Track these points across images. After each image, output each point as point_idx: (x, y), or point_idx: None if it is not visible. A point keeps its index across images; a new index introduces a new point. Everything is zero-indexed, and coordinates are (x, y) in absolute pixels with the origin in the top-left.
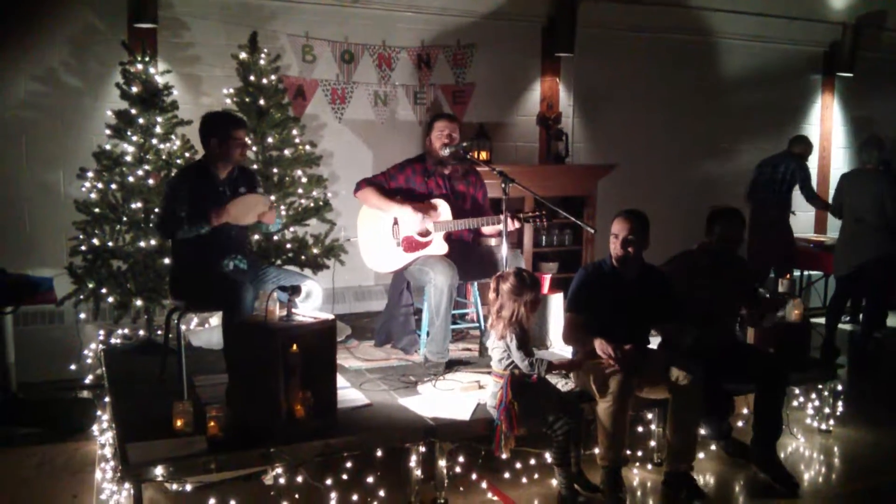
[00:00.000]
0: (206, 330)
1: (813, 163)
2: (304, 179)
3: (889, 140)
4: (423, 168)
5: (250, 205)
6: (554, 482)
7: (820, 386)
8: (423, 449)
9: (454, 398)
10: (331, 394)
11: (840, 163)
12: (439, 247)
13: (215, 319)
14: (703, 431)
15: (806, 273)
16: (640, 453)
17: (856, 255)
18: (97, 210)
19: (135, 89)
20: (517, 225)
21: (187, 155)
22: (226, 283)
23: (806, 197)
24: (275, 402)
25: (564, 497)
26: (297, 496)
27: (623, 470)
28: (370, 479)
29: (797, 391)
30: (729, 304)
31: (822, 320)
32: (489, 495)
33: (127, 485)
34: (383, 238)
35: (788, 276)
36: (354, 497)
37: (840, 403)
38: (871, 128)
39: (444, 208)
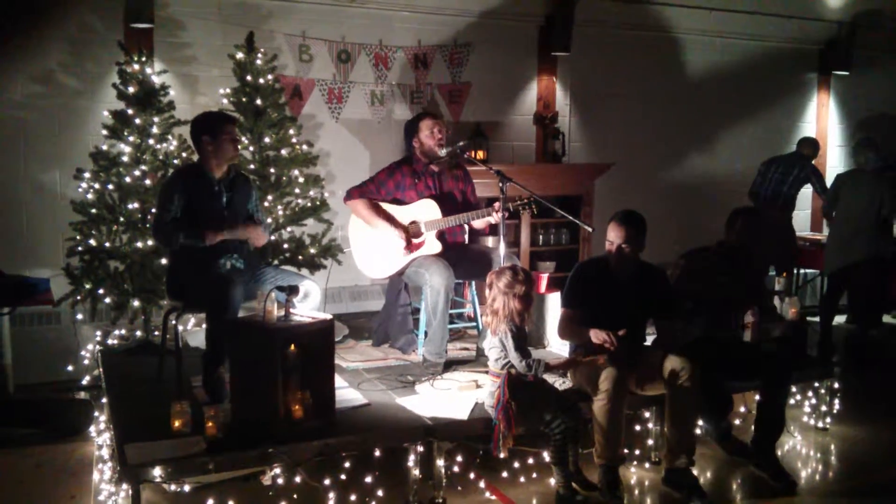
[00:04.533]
0: (203, 330)
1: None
2: (300, 179)
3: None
4: (411, 170)
5: (244, 230)
6: (552, 481)
7: (816, 384)
8: (421, 448)
9: (452, 398)
10: (329, 394)
11: (836, 161)
12: (432, 246)
13: None
14: (703, 431)
15: (802, 271)
16: (637, 452)
17: (847, 255)
18: (94, 211)
19: (131, 90)
20: (507, 213)
21: (184, 155)
22: (216, 281)
23: (823, 198)
24: (273, 402)
25: (562, 496)
26: (295, 496)
27: (620, 468)
28: (368, 479)
29: (794, 389)
30: (740, 303)
31: (818, 318)
32: (487, 494)
33: (125, 485)
34: (376, 244)
35: (786, 273)
36: (353, 497)
37: (836, 401)
38: (868, 127)
39: (432, 208)
